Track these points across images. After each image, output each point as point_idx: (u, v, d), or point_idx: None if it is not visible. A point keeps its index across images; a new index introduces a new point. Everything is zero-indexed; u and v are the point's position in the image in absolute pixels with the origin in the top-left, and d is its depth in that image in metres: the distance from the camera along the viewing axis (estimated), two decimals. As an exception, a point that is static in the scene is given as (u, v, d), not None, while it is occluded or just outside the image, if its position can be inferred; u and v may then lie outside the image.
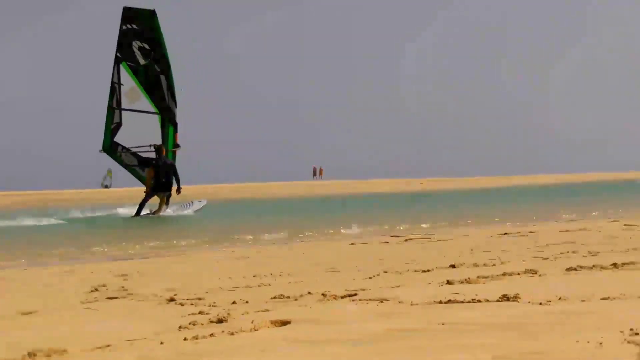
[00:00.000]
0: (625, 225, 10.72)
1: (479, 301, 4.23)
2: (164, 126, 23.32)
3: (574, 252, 7.16)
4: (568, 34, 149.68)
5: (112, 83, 23.28)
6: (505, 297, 4.26)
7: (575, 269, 5.67)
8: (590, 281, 5.04)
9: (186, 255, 9.55)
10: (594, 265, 5.79)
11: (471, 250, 7.99)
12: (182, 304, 4.84)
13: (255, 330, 3.73)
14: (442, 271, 6.07)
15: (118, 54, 23.35)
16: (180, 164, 22.10)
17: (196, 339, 3.55)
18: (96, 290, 5.84)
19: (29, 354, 3.38)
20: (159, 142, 22.70)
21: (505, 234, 10.29)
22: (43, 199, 41.19)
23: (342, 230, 12.96)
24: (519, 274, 5.56)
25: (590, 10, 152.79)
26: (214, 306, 4.64)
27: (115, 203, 23.88)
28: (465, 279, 5.27)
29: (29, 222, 18.74)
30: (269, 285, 5.74)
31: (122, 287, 5.99)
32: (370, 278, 5.85)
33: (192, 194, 24.34)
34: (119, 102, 23.26)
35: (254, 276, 6.39)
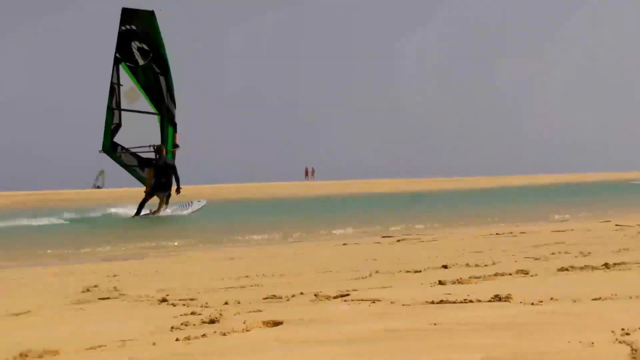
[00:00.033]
0: (616, 225, 10.75)
1: (471, 301, 4.23)
2: (163, 127, 23.38)
3: (565, 252, 7.17)
4: (568, 34, 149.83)
5: (112, 83, 23.35)
6: (497, 298, 4.26)
7: (566, 270, 5.68)
8: (582, 281, 5.05)
9: (179, 255, 9.53)
10: (585, 266, 5.80)
11: (463, 250, 8.00)
12: (174, 305, 4.83)
13: (247, 330, 3.73)
14: (434, 271, 6.08)
15: (117, 55, 23.41)
16: (179, 164, 22.19)
17: (188, 339, 3.55)
18: (88, 290, 5.83)
19: (21, 355, 3.37)
20: (158, 142, 22.78)
21: (497, 234, 10.30)
22: (43, 199, 41.11)
23: (335, 231, 12.96)
24: (510, 274, 5.57)
25: (590, 10, 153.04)
26: (206, 307, 4.64)
27: (115, 203, 23.86)
28: (457, 280, 5.28)
29: (28, 222, 18.75)
30: (261, 285, 5.74)
31: (114, 287, 5.98)
32: (362, 278, 5.86)
33: (191, 194, 24.34)
34: (118, 103, 23.32)
35: (246, 276, 6.39)
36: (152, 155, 22.49)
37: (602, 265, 5.74)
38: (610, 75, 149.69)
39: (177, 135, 23.37)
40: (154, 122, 23.41)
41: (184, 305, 4.79)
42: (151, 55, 23.30)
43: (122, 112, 23.30)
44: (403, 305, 4.25)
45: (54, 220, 19.45)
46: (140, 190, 22.71)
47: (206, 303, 4.78)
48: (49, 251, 10.67)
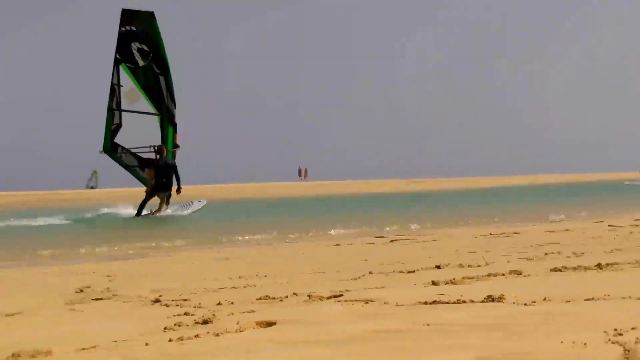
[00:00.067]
0: (609, 225, 10.78)
1: (464, 302, 4.24)
2: (163, 127, 23.45)
3: (558, 252, 7.18)
4: (568, 34, 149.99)
5: (112, 84, 23.43)
6: (490, 298, 4.27)
7: (559, 270, 5.69)
8: (575, 282, 5.06)
9: (174, 255, 9.53)
10: (578, 266, 5.81)
11: (456, 251, 8.01)
12: (167, 305, 4.83)
13: (240, 331, 3.73)
14: (427, 272, 6.08)
15: (117, 56, 23.49)
16: (179, 164, 22.26)
17: (181, 340, 3.54)
18: (81, 291, 5.82)
19: (13, 355, 3.37)
20: (158, 142, 22.87)
21: (491, 234, 10.31)
22: (43, 199, 41.08)
23: (331, 232, 12.96)
24: (504, 274, 5.57)
25: (590, 10, 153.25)
26: (199, 307, 4.63)
27: (115, 203, 23.89)
28: (451, 280, 5.29)
29: (28, 222, 18.78)
30: (255, 286, 5.74)
31: (107, 288, 5.98)
32: (355, 279, 5.86)
33: (191, 194, 24.37)
34: (118, 103, 23.40)
35: (239, 277, 6.39)
36: (152, 156, 22.61)
37: (595, 266, 5.75)
38: (610, 75, 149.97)
39: (177, 136, 23.47)
40: (154, 122, 23.52)
41: (177, 305, 4.78)
42: (151, 55, 23.38)
43: (123, 113, 23.40)
44: (396, 305, 4.25)
45: (53, 220, 19.46)
46: (139, 190, 22.76)
47: (199, 303, 4.78)
48: (45, 251, 10.65)
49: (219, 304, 4.74)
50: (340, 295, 4.78)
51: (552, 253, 7.15)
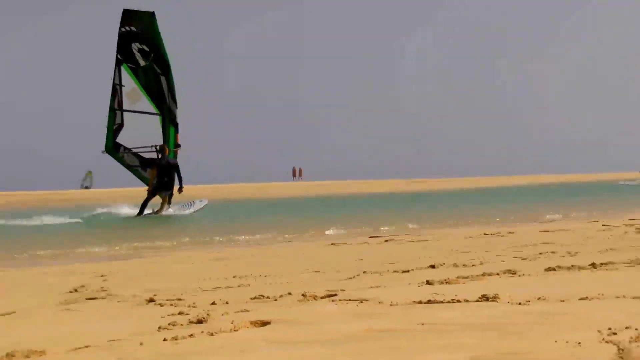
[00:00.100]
0: (603, 225, 10.80)
1: (459, 301, 4.24)
2: (165, 127, 23.52)
3: (552, 252, 7.19)
4: (568, 34, 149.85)
5: (114, 84, 23.51)
6: (485, 297, 4.27)
7: (554, 269, 5.70)
8: (569, 281, 5.07)
9: (170, 255, 9.53)
10: (572, 266, 5.82)
11: (451, 250, 8.02)
12: (161, 305, 4.82)
13: (235, 330, 3.72)
14: (422, 271, 6.08)
15: (118, 56, 23.55)
16: (180, 164, 22.29)
17: (176, 339, 3.54)
18: (76, 291, 5.81)
19: (7, 355, 3.36)
20: (160, 142, 22.98)
21: (486, 234, 10.32)
22: (43, 199, 41.00)
23: (328, 232, 12.96)
24: (498, 274, 5.58)
25: (590, 10, 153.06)
26: (194, 307, 4.63)
27: (116, 203, 23.91)
28: (445, 279, 5.29)
29: (27, 222, 18.75)
30: (249, 285, 5.74)
31: (102, 287, 5.97)
32: (350, 278, 5.86)
33: (191, 194, 24.41)
34: (120, 104, 23.46)
35: (234, 277, 6.39)
36: (153, 156, 22.73)
37: (589, 265, 5.76)
38: (610, 75, 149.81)
39: (179, 135, 23.53)
40: (155, 122, 23.59)
41: (171, 305, 4.78)
42: (152, 55, 23.45)
43: (124, 113, 23.46)
44: (391, 305, 4.25)
45: (53, 220, 19.44)
46: (138, 190, 22.78)
47: (193, 303, 4.78)
48: (44, 251, 10.63)
49: (214, 303, 4.73)
50: (335, 295, 4.78)
51: (547, 253, 7.15)
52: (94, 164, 54.97)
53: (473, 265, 6.32)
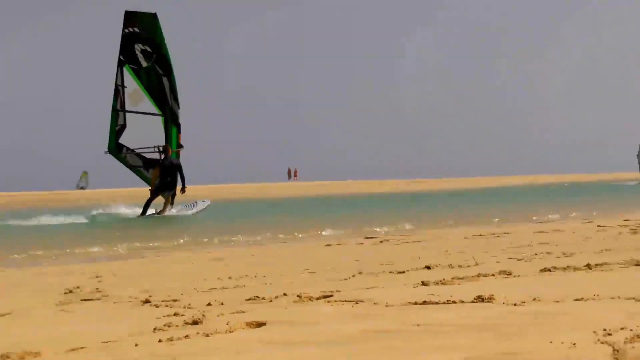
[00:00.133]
0: (599, 226, 10.81)
1: (454, 302, 4.24)
2: (167, 127, 23.60)
3: (548, 253, 7.20)
4: (568, 34, 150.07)
5: (116, 86, 23.58)
6: (480, 298, 4.27)
7: (549, 270, 5.71)
8: (564, 282, 5.07)
9: (170, 256, 9.53)
10: (567, 266, 5.82)
11: (446, 251, 8.02)
12: (157, 306, 4.82)
13: (230, 331, 3.72)
14: (417, 272, 6.09)
15: (121, 57, 23.62)
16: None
17: (171, 340, 3.54)
18: (70, 292, 5.81)
19: (2, 357, 3.35)
20: (162, 143, 23.06)
21: (481, 235, 10.33)
22: (43, 199, 41.02)
23: (324, 232, 12.96)
24: (493, 275, 5.58)
25: (590, 10, 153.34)
26: (189, 308, 4.63)
27: (116, 203, 23.92)
28: (440, 280, 5.29)
29: (27, 222, 18.75)
30: (245, 286, 5.73)
31: (97, 288, 5.96)
32: (345, 279, 5.86)
33: (191, 194, 24.44)
34: (123, 105, 23.53)
35: (229, 277, 6.38)
36: (156, 156, 22.85)
37: (584, 266, 5.76)
38: (610, 75, 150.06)
39: (181, 136, 23.58)
40: (158, 123, 23.67)
41: (166, 306, 4.77)
42: (154, 56, 23.52)
43: (127, 114, 23.53)
44: (386, 306, 4.25)
45: (53, 220, 19.46)
46: (138, 190, 22.79)
47: (189, 304, 4.77)
48: (44, 252, 10.63)
49: (209, 304, 4.73)
50: (330, 296, 4.78)
51: (542, 253, 7.16)
52: (94, 164, 55.02)
53: (468, 266, 6.33)
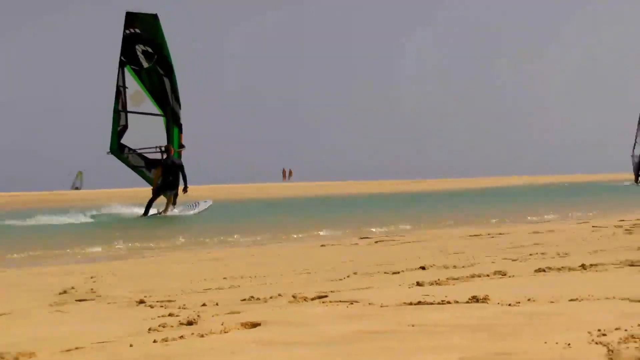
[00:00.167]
0: (593, 226, 10.82)
1: (449, 302, 4.24)
2: (168, 128, 23.67)
3: (543, 253, 7.20)
4: (568, 34, 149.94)
5: (117, 86, 23.64)
6: (475, 299, 4.27)
7: (544, 270, 5.71)
8: (559, 282, 5.08)
9: (168, 255, 9.53)
10: (562, 267, 5.83)
11: (441, 251, 8.03)
12: (151, 306, 4.82)
13: (225, 332, 3.72)
14: (412, 273, 6.09)
15: (122, 58, 23.67)
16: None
17: (166, 341, 3.54)
18: (65, 292, 5.80)
19: (-3, 357, 3.35)
20: (164, 143, 23.11)
21: (476, 235, 10.33)
22: (43, 199, 40.96)
23: (321, 232, 12.96)
24: (488, 275, 5.58)
25: (590, 10, 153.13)
26: (184, 308, 4.63)
27: (117, 203, 23.95)
28: (435, 281, 5.29)
29: (27, 222, 18.74)
30: (240, 287, 5.73)
31: (92, 289, 5.96)
32: (340, 280, 5.86)
33: (191, 194, 24.48)
34: (124, 105, 23.59)
35: (224, 278, 6.38)
36: (158, 156, 22.93)
37: (579, 266, 5.77)
38: (610, 75, 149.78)
39: (183, 136, 23.66)
40: (159, 123, 23.74)
41: (161, 306, 4.77)
42: (155, 57, 23.58)
43: (129, 115, 23.60)
44: (381, 306, 4.25)
45: (53, 221, 19.46)
46: (139, 190, 22.79)
47: (184, 304, 4.77)
48: (43, 252, 10.64)
49: (204, 305, 4.73)
50: (325, 296, 4.78)
51: (537, 254, 7.16)
52: (94, 164, 55.08)
53: (463, 267, 6.33)
